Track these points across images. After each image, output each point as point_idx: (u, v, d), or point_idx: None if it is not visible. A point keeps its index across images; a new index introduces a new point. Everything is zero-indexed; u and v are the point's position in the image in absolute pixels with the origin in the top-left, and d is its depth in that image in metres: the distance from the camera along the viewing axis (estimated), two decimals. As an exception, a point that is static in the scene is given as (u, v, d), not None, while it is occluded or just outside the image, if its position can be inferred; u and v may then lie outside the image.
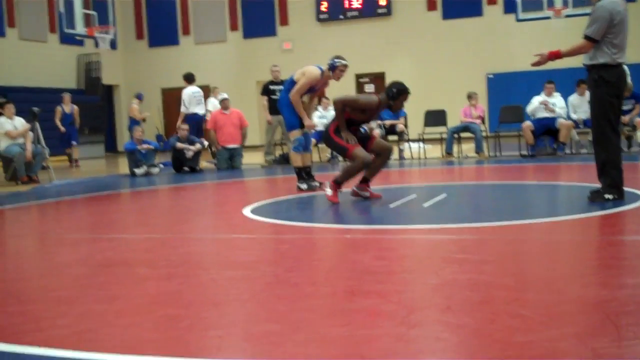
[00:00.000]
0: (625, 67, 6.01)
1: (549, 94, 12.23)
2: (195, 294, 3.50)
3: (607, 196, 5.89)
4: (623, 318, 2.67)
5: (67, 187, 10.62)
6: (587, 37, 5.90)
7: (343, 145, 6.78)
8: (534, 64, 6.30)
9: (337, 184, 6.78)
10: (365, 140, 6.87)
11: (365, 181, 6.86)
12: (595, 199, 5.93)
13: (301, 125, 8.15)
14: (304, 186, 8.10)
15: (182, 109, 13.58)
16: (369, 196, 6.84)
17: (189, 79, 13.89)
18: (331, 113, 13.78)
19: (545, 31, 18.98)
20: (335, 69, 7.94)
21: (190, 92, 13.64)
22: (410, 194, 6.94)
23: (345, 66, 7.96)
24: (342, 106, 6.78)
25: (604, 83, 5.89)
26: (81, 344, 2.72)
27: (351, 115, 6.81)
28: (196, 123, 13.63)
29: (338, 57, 8.01)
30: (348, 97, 6.87)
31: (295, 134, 8.16)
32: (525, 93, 17.24)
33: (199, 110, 13.70)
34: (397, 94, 6.73)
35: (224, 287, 3.65)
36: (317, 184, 8.25)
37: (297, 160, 8.25)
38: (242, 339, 2.73)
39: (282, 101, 8.30)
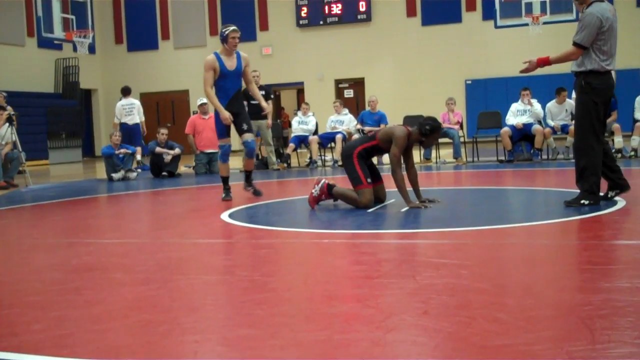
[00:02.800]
0: None
1: (525, 101, 12.31)
2: (172, 298, 3.48)
3: (583, 201, 5.93)
4: (597, 322, 2.69)
5: (44, 192, 10.53)
6: (576, 44, 5.91)
7: (359, 176, 6.60)
8: (523, 71, 6.32)
9: (329, 192, 6.75)
10: (374, 180, 6.78)
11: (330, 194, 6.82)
12: (572, 204, 5.98)
13: (227, 133, 7.82)
14: (223, 195, 7.86)
15: (115, 120, 15.00)
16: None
17: (124, 92, 15.28)
18: (311, 118, 13.85)
19: (523, 38, 19.15)
20: (226, 39, 7.61)
21: (120, 105, 14.94)
22: (388, 199, 6.95)
23: (235, 31, 7.62)
24: (399, 155, 6.56)
25: (590, 89, 5.90)
26: (56, 349, 2.70)
27: (382, 145, 6.73)
28: (126, 131, 14.60)
29: (225, 26, 7.73)
30: (399, 143, 6.52)
31: (223, 141, 7.85)
32: (503, 99, 17.43)
33: (129, 120, 14.80)
34: (430, 131, 6.60)
35: (202, 292, 3.63)
36: (254, 190, 8.02)
37: (221, 169, 8.01)
38: (219, 343, 2.72)
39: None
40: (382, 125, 13.18)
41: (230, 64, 7.71)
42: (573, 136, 11.74)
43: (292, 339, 2.70)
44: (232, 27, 7.62)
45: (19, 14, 21.04)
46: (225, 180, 7.98)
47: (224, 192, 7.91)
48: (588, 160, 5.94)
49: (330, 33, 22.29)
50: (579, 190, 6.09)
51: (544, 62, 6.13)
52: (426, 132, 6.61)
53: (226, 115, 7.60)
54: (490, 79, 20.87)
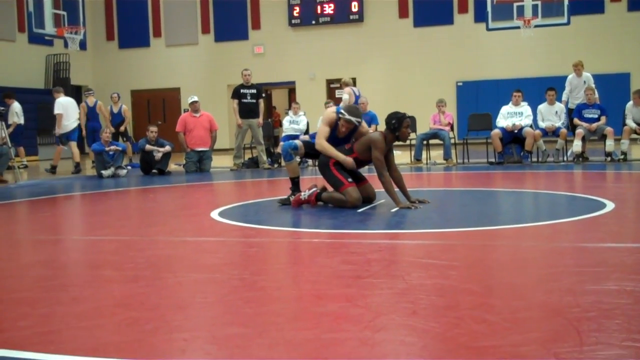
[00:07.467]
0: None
1: (516, 103, 12.36)
2: (160, 296, 3.46)
3: None
4: (585, 324, 2.70)
5: (33, 188, 10.49)
6: None
7: (340, 179, 6.66)
8: None
9: (316, 200, 6.80)
10: (357, 181, 6.83)
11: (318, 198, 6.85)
12: None
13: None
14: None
15: (15, 120, 15.74)
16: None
17: (11, 96, 16.03)
18: (302, 118, 13.86)
19: (514, 40, 19.17)
20: (339, 120, 6.88)
21: (19, 107, 15.90)
22: (377, 199, 6.95)
23: (348, 122, 6.79)
24: (382, 157, 6.57)
25: None
26: (43, 345, 2.68)
27: (361, 157, 6.79)
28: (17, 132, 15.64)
29: (348, 110, 6.90)
30: (378, 146, 6.56)
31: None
32: (493, 101, 17.43)
33: (21, 120, 15.93)
34: (398, 123, 6.64)
35: (190, 290, 3.62)
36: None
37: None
38: (208, 342, 2.71)
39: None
40: (372, 126, 13.18)
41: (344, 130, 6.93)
42: (564, 138, 11.89)
43: (281, 338, 2.69)
44: (347, 117, 6.80)
45: (9, 9, 20.94)
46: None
47: None
48: None
49: (322, 33, 22.28)
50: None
51: None
52: (394, 126, 6.68)
53: (349, 161, 6.76)
54: (481, 80, 20.92)
